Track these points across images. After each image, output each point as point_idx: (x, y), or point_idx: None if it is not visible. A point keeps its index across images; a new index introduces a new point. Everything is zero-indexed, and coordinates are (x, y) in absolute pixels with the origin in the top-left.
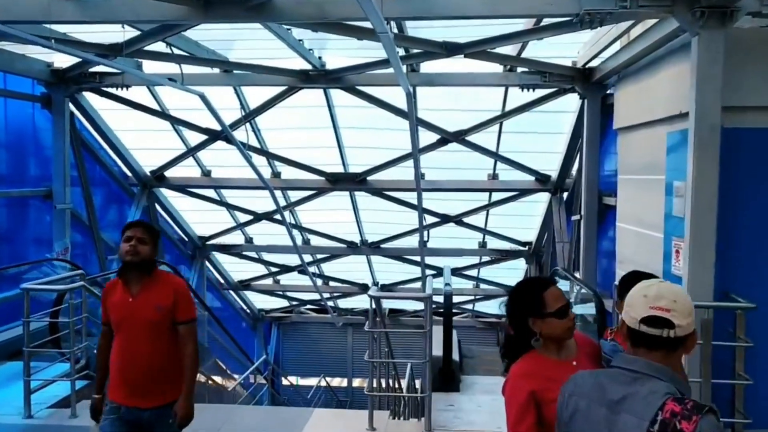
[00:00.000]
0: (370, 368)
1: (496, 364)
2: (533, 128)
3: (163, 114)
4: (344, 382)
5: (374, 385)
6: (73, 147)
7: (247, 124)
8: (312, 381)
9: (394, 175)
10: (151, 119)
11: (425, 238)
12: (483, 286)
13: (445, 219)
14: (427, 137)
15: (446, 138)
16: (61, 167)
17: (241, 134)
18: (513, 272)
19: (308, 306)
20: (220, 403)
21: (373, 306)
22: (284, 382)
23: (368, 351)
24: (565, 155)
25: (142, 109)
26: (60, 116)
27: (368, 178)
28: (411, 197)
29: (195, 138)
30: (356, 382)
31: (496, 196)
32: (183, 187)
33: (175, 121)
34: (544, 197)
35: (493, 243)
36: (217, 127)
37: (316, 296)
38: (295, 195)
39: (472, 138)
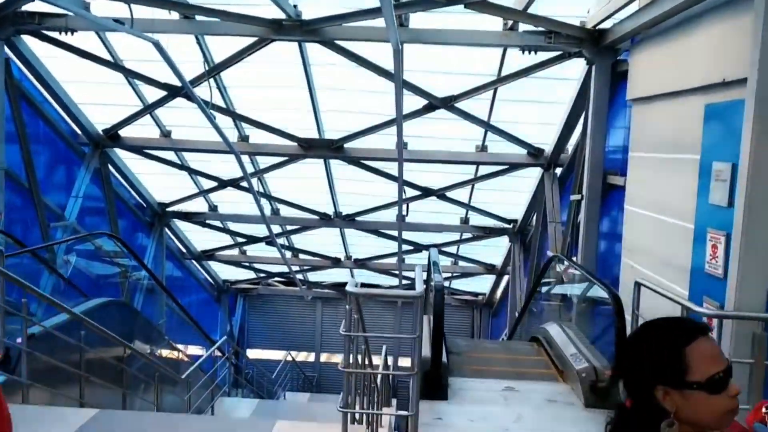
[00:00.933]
0: (344, 377)
1: (486, 362)
2: (529, 96)
3: (115, 65)
4: (311, 357)
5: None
6: (9, 98)
7: (211, 80)
8: (278, 354)
9: (373, 143)
10: (102, 71)
11: (404, 212)
12: (462, 263)
13: (426, 192)
14: (411, 102)
15: (433, 104)
16: None
17: (203, 91)
18: (495, 250)
19: (276, 278)
20: (173, 389)
21: (352, 306)
22: (249, 355)
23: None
24: (563, 128)
25: (91, 58)
26: None
27: (345, 145)
28: (391, 168)
29: (153, 94)
30: (324, 357)
31: (484, 169)
32: (140, 149)
33: (129, 74)
34: (534, 172)
35: (476, 219)
36: (177, 82)
37: (284, 268)
38: (264, 161)
39: (462, 105)
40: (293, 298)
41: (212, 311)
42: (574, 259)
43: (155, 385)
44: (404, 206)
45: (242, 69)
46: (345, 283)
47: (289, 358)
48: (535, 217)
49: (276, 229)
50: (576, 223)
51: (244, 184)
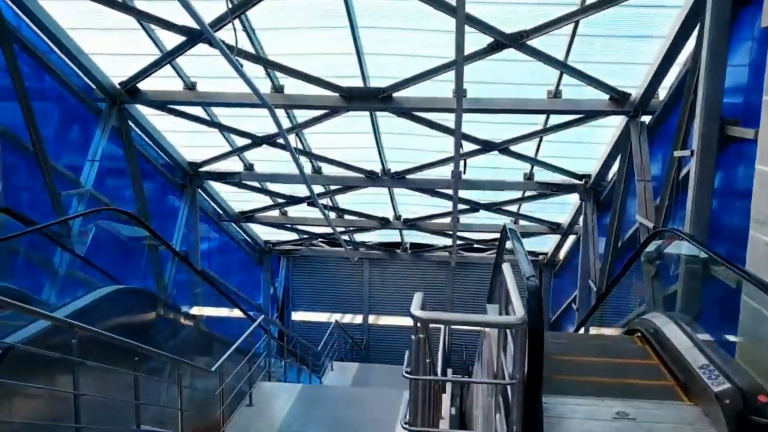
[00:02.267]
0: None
1: (581, 369)
2: (616, 30)
3: (123, 5)
4: (359, 319)
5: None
6: (3, 46)
7: (236, 22)
8: (324, 317)
9: (426, 92)
10: (110, 14)
11: (461, 169)
12: (523, 222)
13: (487, 147)
14: (472, 41)
15: (500, 42)
16: None
17: (228, 35)
18: (560, 207)
19: (320, 239)
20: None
21: (420, 335)
22: (294, 318)
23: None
24: (657, 68)
25: None
26: None
27: (394, 94)
28: (446, 119)
29: (172, 40)
30: (372, 319)
31: (555, 118)
32: (162, 104)
33: (141, 16)
34: (615, 121)
35: (542, 175)
36: (195, 24)
37: (329, 229)
38: (302, 115)
39: (534, 42)
40: (339, 258)
41: (254, 274)
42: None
43: (179, 388)
44: (461, 162)
45: (272, 7)
46: (394, 243)
47: (336, 320)
48: (614, 173)
49: (318, 189)
50: (675, 184)
51: (281, 141)
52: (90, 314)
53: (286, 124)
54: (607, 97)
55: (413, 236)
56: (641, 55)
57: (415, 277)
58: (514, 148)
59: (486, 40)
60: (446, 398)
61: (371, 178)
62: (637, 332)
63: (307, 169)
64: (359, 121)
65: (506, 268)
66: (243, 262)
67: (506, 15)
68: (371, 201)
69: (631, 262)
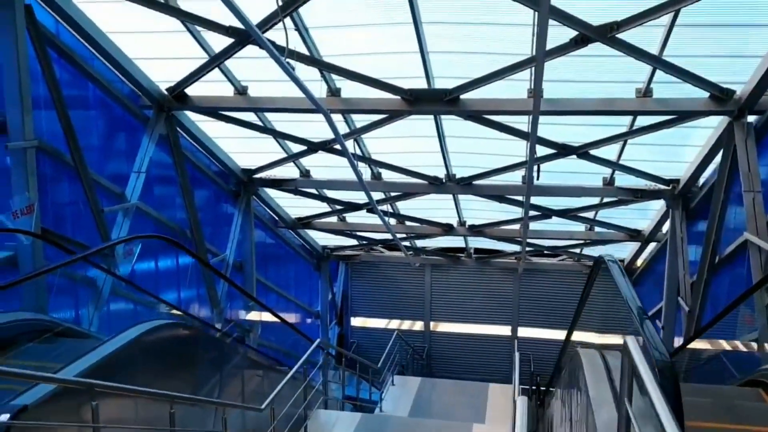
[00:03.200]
0: None
1: None
2: (721, 18)
3: (165, 6)
4: (419, 326)
5: None
6: (37, 52)
7: (287, 20)
8: (383, 323)
9: (497, 92)
10: (154, 15)
11: (534, 175)
12: (599, 229)
13: (564, 151)
14: (553, 36)
15: (586, 35)
16: (15, 83)
17: (279, 35)
18: (641, 213)
19: (380, 245)
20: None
21: None
22: (353, 323)
23: None
24: None
25: None
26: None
27: (461, 96)
28: (517, 122)
29: (219, 42)
30: (433, 326)
31: (643, 119)
32: (213, 110)
33: (185, 17)
34: (714, 121)
35: (624, 179)
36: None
37: (389, 235)
38: (360, 119)
39: (625, 35)
40: (399, 263)
41: (312, 279)
42: None
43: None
44: (535, 168)
45: (326, 3)
46: (457, 248)
47: (396, 327)
48: (707, 177)
49: (378, 195)
50: None
51: (339, 146)
52: (125, 355)
53: (343, 129)
54: (706, 95)
55: (478, 241)
56: (750, 46)
57: (479, 284)
58: (594, 151)
59: (568, 33)
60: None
61: (435, 185)
62: (760, 383)
63: (366, 175)
64: (422, 125)
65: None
66: (300, 269)
67: (593, 5)
68: (434, 206)
69: (755, 289)
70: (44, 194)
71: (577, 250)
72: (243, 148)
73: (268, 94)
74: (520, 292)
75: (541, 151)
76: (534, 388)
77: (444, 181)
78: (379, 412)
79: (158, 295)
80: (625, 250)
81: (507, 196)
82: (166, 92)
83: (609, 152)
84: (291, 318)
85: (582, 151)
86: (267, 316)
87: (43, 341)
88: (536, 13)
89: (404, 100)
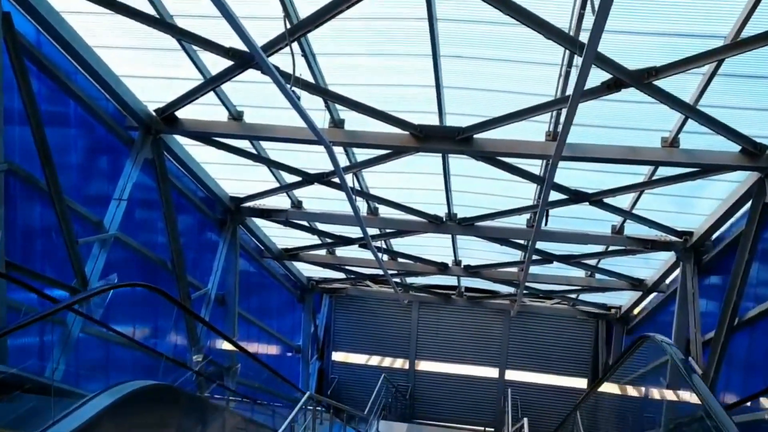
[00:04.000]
0: None
1: None
2: (760, 69)
3: (162, 23)
4: (405, 364)
5: None
6: (13, 63)
7: (294, 44)
8: (367, 359)
9: (512, 133)
10: (147, 31)
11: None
12: (599, 276)
13: (576, 198)
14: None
15: (620, 80)
16: None
17: (283, 60)
18: (646, 262)
19: (368, 279)
20: None
21: None
22: (334, 357)
23: None
24: None
25: (126, 11)
26: None
27: (475, 135)
28: (530, 165)
29: (217, 64)
30: (419, 365)
31: (664, 169)
32: (205, 135)
33: (183, 36)
34: (739, 175)
35: (633, 229)
36: (245, 47)
37: (379, 270)
38: (363, 152)
39: (661, 82)
40: (385, 299)
41: (294, 312)
42: None
43: None
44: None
45: (337, 27)
46: (447, 286)
47: (378, 364)
48: (725, 234)
49: (373, 230)
50: None
51: (337, 179)
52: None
53: (343, 161)
54: (737, 148)
55: (471, 280)
56: None
57: (467, 323)
58: (608, 199)
59: (600, 76)
60: None
61: (435, 224)
62: None
63: (363, 209)
64: (426, 161)
65: None
66: (283, 300)
67: (631, 48)
68: (428, 244)
69: None
70: (12, 222)
71: (574, 296)
72: (231, 174)
73: (265, 121)
74: (510, 334)
75: (552, 195)
76: None
77: (444, 220)
78: None
79: (134, 325)
80: (622, 297)
81: (509, 239)
82: (154, 113)
83: (621, 200)
84: (272, 350)
85: (596, 199)
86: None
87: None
88: (566, 52)
89: (413, 137)
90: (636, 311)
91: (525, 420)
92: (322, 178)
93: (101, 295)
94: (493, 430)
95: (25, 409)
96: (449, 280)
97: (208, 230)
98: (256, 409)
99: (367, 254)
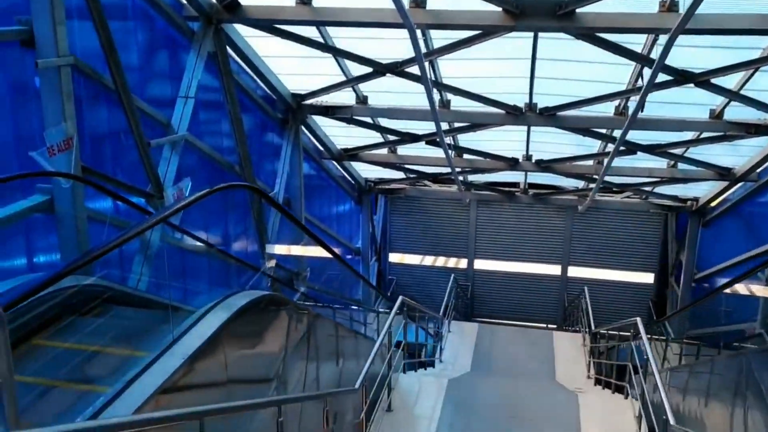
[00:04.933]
0: None
1: None
2: None
3: None
4: (464, 263)
5: None
6: None
7: None
8: (424, 259)
9: (616, 6)
10: None
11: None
12: (682, 165)
13: (682, 78)
14: None
15: None
16: None
17: None
18: (735, 150)
19: (428, 179)
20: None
21: None
22: (391, 259)
23: None
24: None
25: None
26: None
27: (578, 10)
28: (630, 41)
29: None
30: (478, 264)
31: None
32: (270, 23)
33: None
34: None
35: (735, 113)
36: None
37: (440, 169)
38: (439, 38)
39: None
40: (442, 198)
41: (352, 214)
42: None
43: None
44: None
45: None
46: (509, 183)
47: (433, 263)
48: None
49: (442, 125)
50: None
51: (411, 69)
52: (218, 343)
53: (422, 47)
54: None
55: (534, 176)
56: None
57: (528, 220)
58: (716, 79)
59: None
60: None
61: (513, 115)
62: None
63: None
64: (510, 44)
65: None
66: (341, 202)
67: None
68: (497, 138)
69: None
70: (80, 123)
71: (649, 188)
72: (293, 69)
73: (336, 3)
74: (573, 230)
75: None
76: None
77: (524, 110)
78: (440, 363)
79: (206, 232)
80: (698, 189)
81: (591, 129)
82: (215, 1)
83: (725, 81)
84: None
85: (702, 80)
86: (314, 255)
87: (94, 313)
88: None
89: (507, 14)
90: (715, 203)
91: (638, 319)
92: (397, 68)
93: (177, 204)
94: (555, 327)
95: (129, 323)
96: (511, 177)
97: (269, 130)
98: (336, 314)
99: (429, 152)
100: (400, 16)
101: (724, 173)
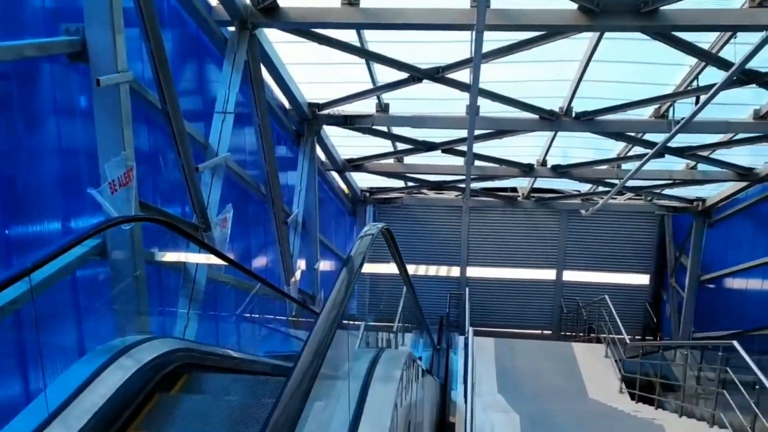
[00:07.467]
0: None
1: None
2: None
3: None
4: (456, 271)
5: None
6: None
7: None
8: (416, 269)
9: (697, 2)
10: None
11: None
12: (703, 167)
13: (746, 78)
14: None
15: None
16: None
17: None
18: (751, 149)
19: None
20: None
21: None
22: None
23: None
24: None
25: None
26: None
27: (662, 8)
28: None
29: None
30: (471, 272)
31: None
32: (315, 26)
33: None
34: None
35: None
36: None
37: (445, 176)
38: (494, 39)
39: None
40: (435, 206)
41: (345, 224)
42: None
43: None
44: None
45: None
46: (504, 189)
47: (426, 273)
48: None
49: (461, 133)
50: None
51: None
52: None
53: (463, 52)
54: None
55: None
56: None
57: (521, 225)
58: None
59: None
60: None
61: (548, 120)
62: None
63: (461, 109)
64: (565, 45)
65: None
66: (335, 212)
67: None
68: (515, 144)
69: None
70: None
71: (658, 190)
72: (310, 77)
73: (386, 4)
74: (568, 234)
75: (712, 78)
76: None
77: (560, 114)
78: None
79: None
80: (705, 190)
81: (626, 133)
82: (249, 2)
83: None
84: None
85: (766, 80)
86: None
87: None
88: None
89: (584, 12)
90: (722, 205)
91: None
92: (437, 74)
93: (224, 234)
94: (550, 332)
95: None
96: (511, 182)
97: (282, 143)
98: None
99: (441, 160)
100: (475, 17)
101: (744, 174)
